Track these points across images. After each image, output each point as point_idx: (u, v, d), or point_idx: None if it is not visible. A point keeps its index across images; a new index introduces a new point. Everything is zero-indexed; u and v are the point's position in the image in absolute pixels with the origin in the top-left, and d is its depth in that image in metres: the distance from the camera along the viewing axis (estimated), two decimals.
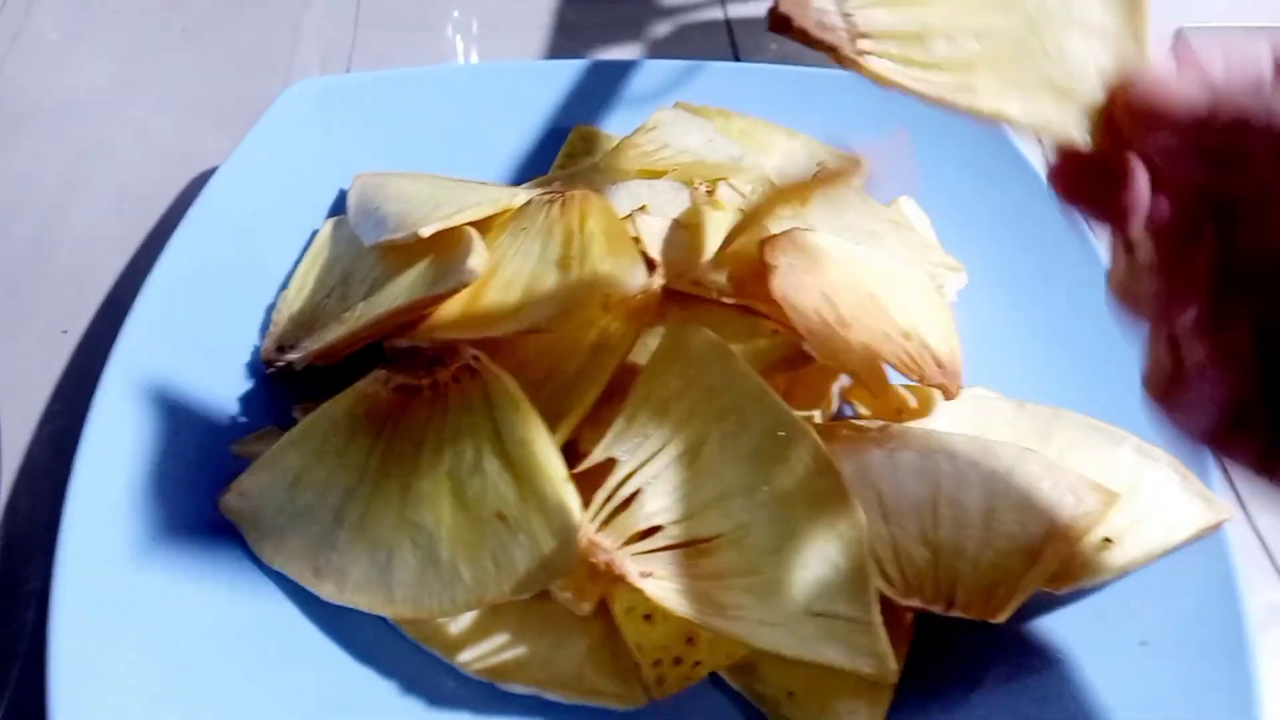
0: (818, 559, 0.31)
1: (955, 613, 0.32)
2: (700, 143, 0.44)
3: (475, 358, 0.33)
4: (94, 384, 0.37)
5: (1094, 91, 0.23)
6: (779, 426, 0.32)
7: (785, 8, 0.20)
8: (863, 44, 0.21)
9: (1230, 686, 0.32)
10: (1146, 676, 0.32)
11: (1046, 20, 0.23)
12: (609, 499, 0.31)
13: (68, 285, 0.47)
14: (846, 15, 0.21)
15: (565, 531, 0.30)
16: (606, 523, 0.31)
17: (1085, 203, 0.24)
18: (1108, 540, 0.34)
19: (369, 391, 0.34)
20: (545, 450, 0.31)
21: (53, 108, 0.56)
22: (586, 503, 0.31)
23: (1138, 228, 0.24)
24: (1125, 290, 0.25)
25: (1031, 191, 0.47)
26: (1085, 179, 0.24)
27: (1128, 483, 0.36)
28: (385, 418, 0.33)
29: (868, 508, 0.32)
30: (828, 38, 0.21)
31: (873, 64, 0.21)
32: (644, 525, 0.31)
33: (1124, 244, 0.25)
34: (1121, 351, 0.41)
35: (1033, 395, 0.39)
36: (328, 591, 0.33)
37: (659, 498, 0.31)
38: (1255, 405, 0.24)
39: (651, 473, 0.32)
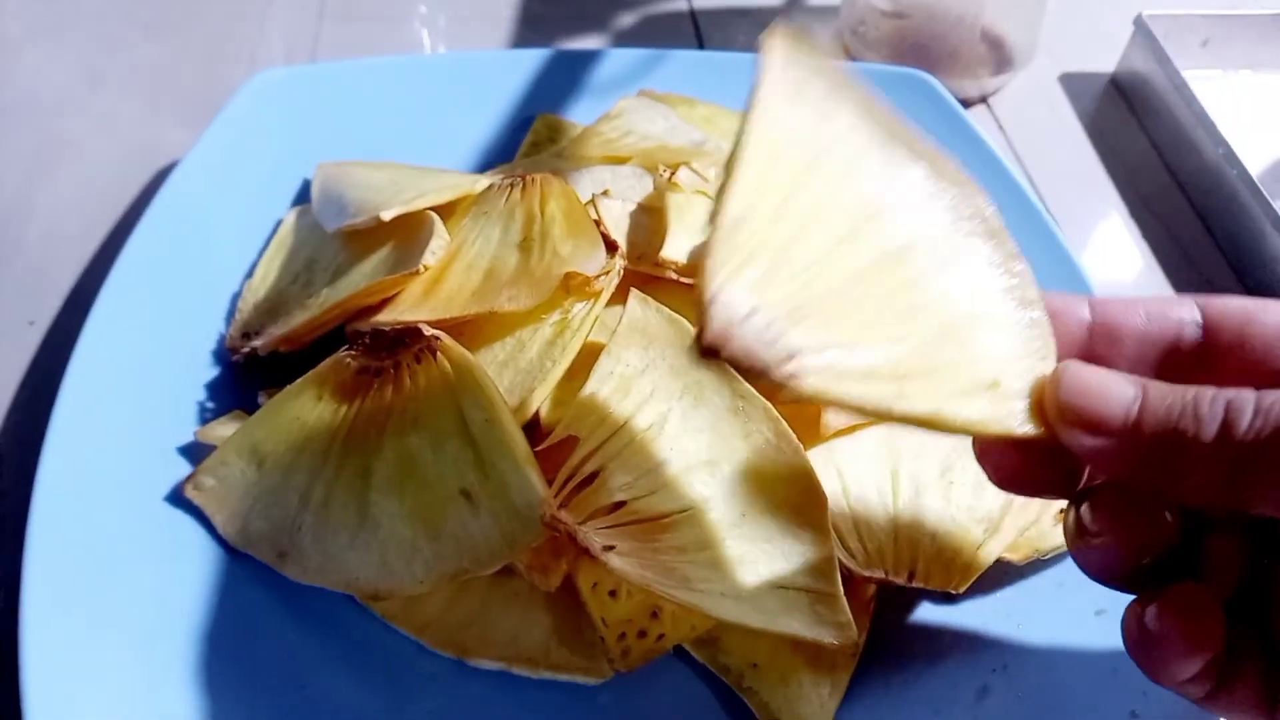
0: (779, 532, 0.32)
1: (917, 583, 0.33)
2: (663, 129, 0.45)
3: (436, 338, 0.33)
4: (60, 375, 0.37)
5: (1023, 381, 0.23)
6: (737, 400, 0.33)
7: (711, 339, 0.19)
8: (792, 366, 0.20)
9: None
10: (1103, 644, 0.33)
11: (961, 321, 0.23)
12: (571, 476, 0.31)
13: (32, 278, 0.47)
14: (772, 341, 0.20)
15: (528, 508, 0.31)
16: (570, 498, 0.31)
17: (1029, 489, 0.25)
18: (1063, 512, 0.35)
19: (332, 373, 0.34)
20: (508, 428, 0.31)
21: (13, 103, 0.56)
22: (550, 481, 0.32)
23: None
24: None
25: (992, 177, 0.48)
26: (1025, 470, 0.25)
27: None
28: (348, 399, 0.33)
29: (828, 480, 0.33)
30: (757, 365, 0.20)
31: (805, 385, 0.20)
32: (607, 501, 0.31)
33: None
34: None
35: None
36: (293, 572, 0.33)
37: (621, 474, 0.32)
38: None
39: (613, 449, 0.32)
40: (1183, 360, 0.25)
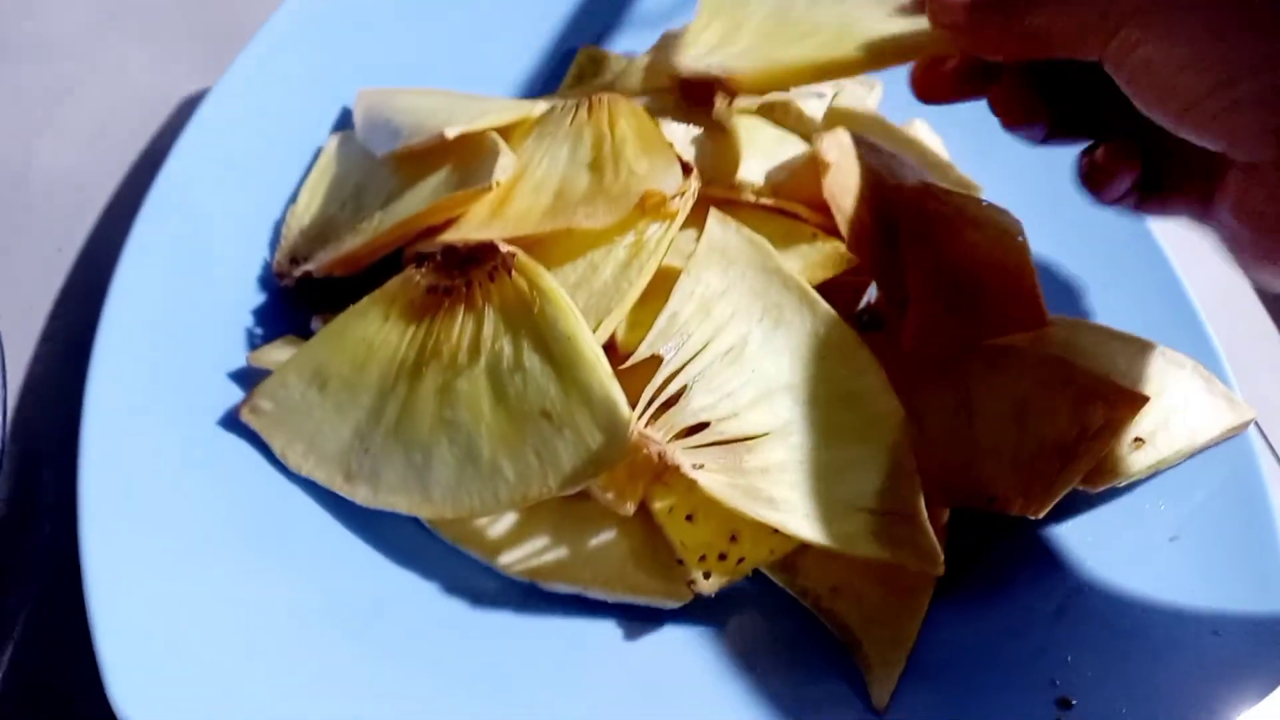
0: (862, 455, 0.31)
1: (996, 509, 0.32)
2: None
3: (512, 254, 0.32)
4: (93, 302, 0.35)
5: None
6: (821, 326, 0.32)
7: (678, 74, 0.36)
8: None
9: (1257, 575, 0.32)
10: (1177, 569, 0.33)
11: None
12: (657, 394, 0.31)
13: (58, 209, 0.45)
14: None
15: (614, 426, 0.30)
16: (655, 418, 0.30)
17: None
18: (1139, 440, 0.35)
19: (400, 292, 0.33)
20: (589, 346, 0.31)
21: (22, 46, 0.54)
22: (632, 402, 0.31)
23: None
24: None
25: None
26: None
27: (1154, 387, 0.36)
28: (418, 318, 0.32)
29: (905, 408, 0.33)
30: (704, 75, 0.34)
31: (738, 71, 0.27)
32: (691, 421, 0.31)
33: None
34: (1135, 263, 0.42)
35: (1052, 309, 0.39)
36: (362, 495, 0.32)
37: (705, 395, 0.31)
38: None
39: (696, 370, 0.31)
40: None
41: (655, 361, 0.32)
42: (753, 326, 0.32)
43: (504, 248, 0.32)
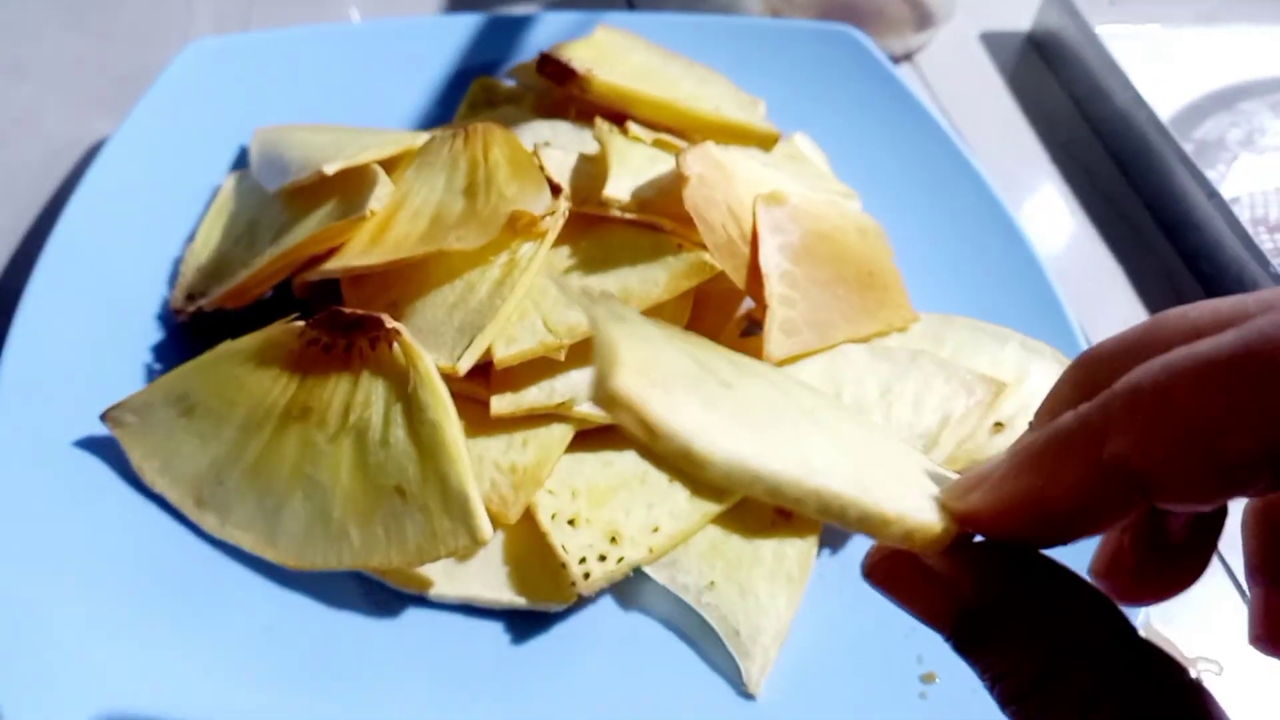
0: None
1: None
2: None
3: (397, 330, 0.33)
4: None
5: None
6: None
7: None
8: None
9: None
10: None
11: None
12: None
13: None
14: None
15: (465, 519, 0.31)
16: None
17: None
18: (999, 425, 0.36)
19: (279, 338, 0.34)
20: (454, 439, 0.32)
21: None
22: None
23: None
24: None
25: (919, 126, 0.50)
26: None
27: (1016, 374, 0.38)
28: (293, 367, 0.33)
29: None
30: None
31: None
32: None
33: None
34: (1005, 265, 0.44)
35: (923, 306, 0.41)
36: (209, 524, 0.33)
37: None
38: None
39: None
40: None
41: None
42: None
43: (389, 323, 0.33)
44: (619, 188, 0.36)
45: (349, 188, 0.38)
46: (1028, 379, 0.38)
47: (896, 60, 0.60)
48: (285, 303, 0.39)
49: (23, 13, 0.60)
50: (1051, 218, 0.53)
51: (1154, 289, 0.49)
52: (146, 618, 0.32)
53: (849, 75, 0.52)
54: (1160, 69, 0.59)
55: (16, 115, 0.54)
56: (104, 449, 0.35)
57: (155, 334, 0.40)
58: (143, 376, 0.38)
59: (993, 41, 0.63)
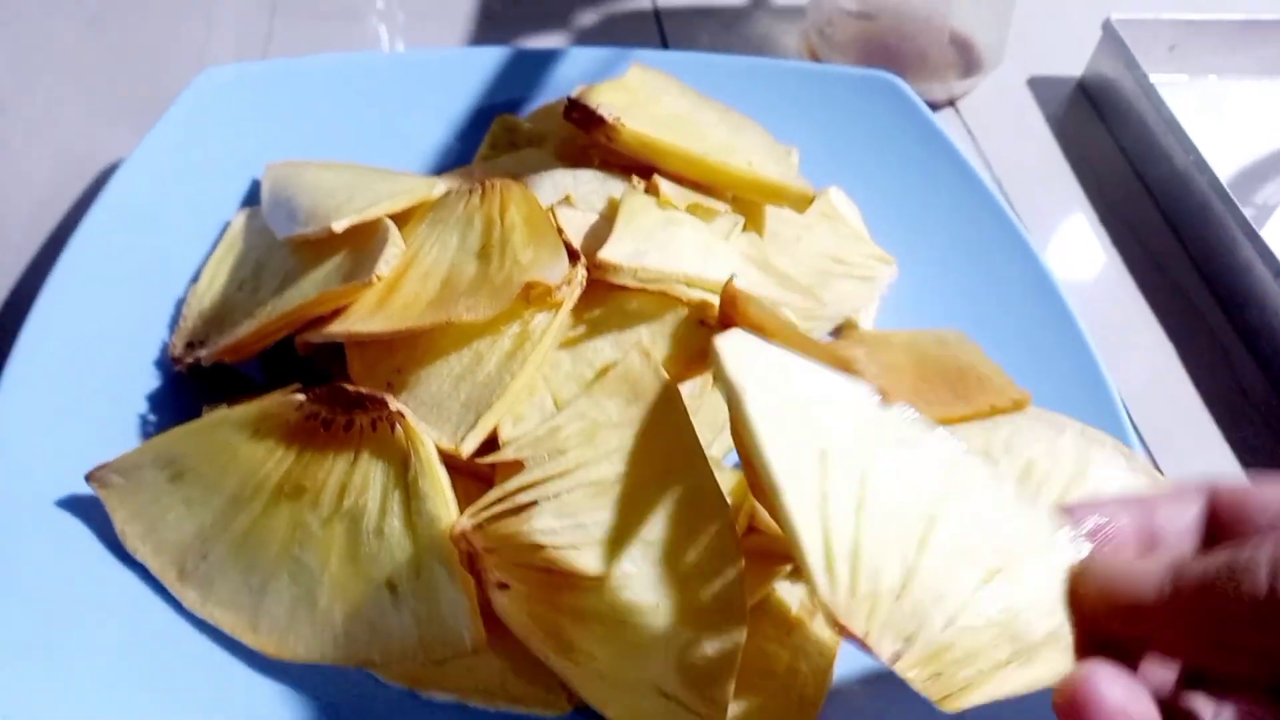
0: (688, 641, 0.28)
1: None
2: None
3: (400, 414, 0.31)
4: None
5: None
6: (706, 500, 0.30)
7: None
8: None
9: None
10: None
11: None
12: (502, 499, 0.29)
13: None
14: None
15: (455, 622, 0.29)
16: (492, 521, 0.29)
17: None
18: None
19: (277, 411, 0.32)
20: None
21: None
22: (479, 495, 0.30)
23: None
24: None
25: (960, 182, 0.47)
26: None
27: (1076, 466, 0.35)
28: (289, 441, 0.31)
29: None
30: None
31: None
32: (526, 538, 0.29)
33: None
34: (1050, 343, 0.41)
35: None
36: (190, 600, 0.31)
37: (554, 518, 0.29)
38: None
39: (554, 490, 0.30)
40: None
41: (521, 465, 0.31)
42: (632, 468, 0.30)
43: (393, 404, 0.31)
44: (618, 250, 0.34)
45: (360, 239, 0.37)
46: (1088, 472, 0.35)
47: (938, 107, 0.58)
48: (287, 354, 0.37)
49: (40, 24, 0.59)
50: (1097, 283, 0.50)
51: (1206, 368, 0.46)
52: (117, 702, 0.30)
53: (888, 125, 0.50)
54: (1216, 123, 0.56)
55: (29, 127, 0.53)
56: (88, 509, 0.34)
57: (152, 381, 0.38)
58: (136, 428, 0.37)
59: (1041, 87, 0.60)
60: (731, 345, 0.24)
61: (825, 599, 0.22)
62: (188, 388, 0.38)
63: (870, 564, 0.23)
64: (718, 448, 0.36)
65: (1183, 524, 0.25)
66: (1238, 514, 0.24)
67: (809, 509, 0.23)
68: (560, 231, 0.35)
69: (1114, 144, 0.57)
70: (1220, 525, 0.24)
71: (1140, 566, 0.22)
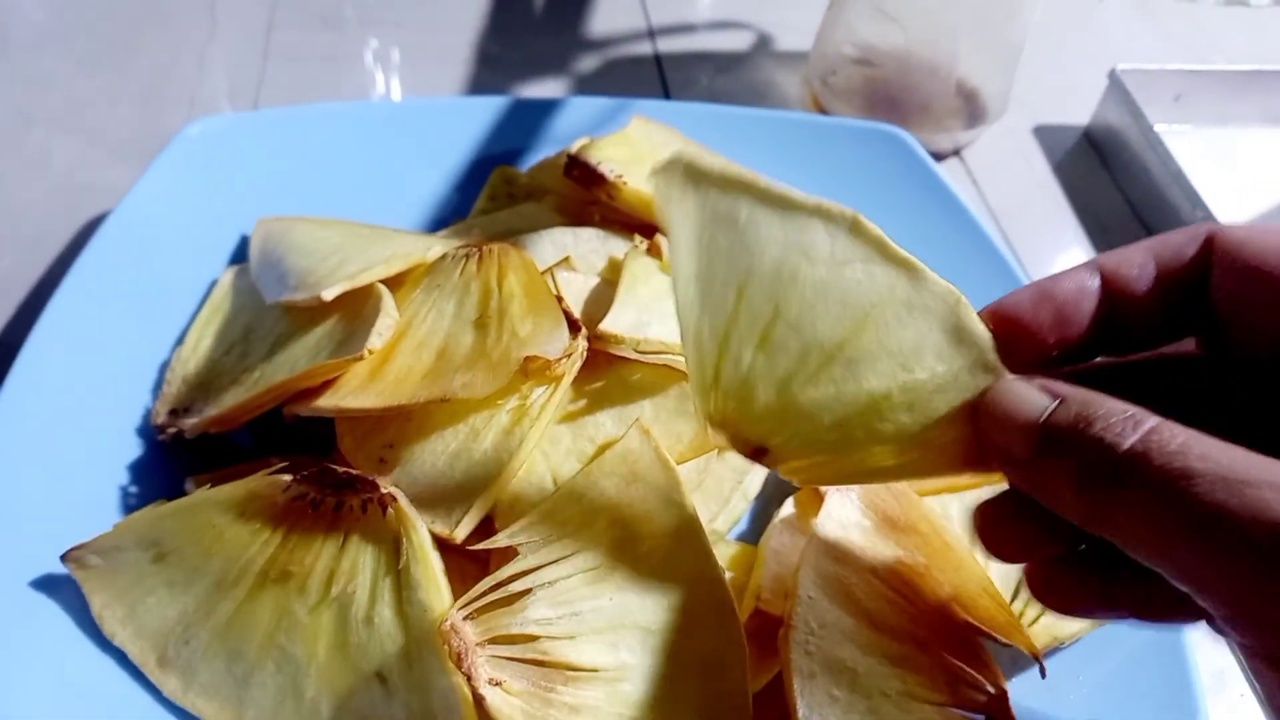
0: None
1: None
2: None
3: (392, 496, 0.29)
4: None
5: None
6: (704, 581, 0.29)
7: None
8: None
9: None
10: None
11: None
12: (495, 588, 0.28)
13: None
14: None
15: (446, 715, 0.27)
16: (482, 611, 0.28)
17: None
18: None
19: (265, 490, 0.30)
20: None
21: None
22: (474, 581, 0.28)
23: None
24: None
25: (965, 236, 0.46)
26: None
27: None
28: (277, 521, 0.30)
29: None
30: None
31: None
32: (519, 630, 0.28)
33: None
34: None
35: None
36: (171, 688, 0.30)
37: (548, 607, 0.28)
38: None
39: (549, 576, 0.29)
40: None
41: (514, 552, 0.29)
42: (629, 554, 0.29)
43: (384, 486, 0.29)
44: (620, 321, 0.33)
45: (352, 305, 0.35)
46: None
47: (943, 156, 0.57)
48: (277, 420, 0.36)
49: (37, 62, 0.58)
50: None
51: None
52: None
53: (892, 178, 0.49)
54: (1222, 173, 0.56)
55: (25, 160, 0.52)
56: (62, 589, 0.32)
57: (134, 450, 0.37)
58: (117, 499, 0.35)
59: (1047, 136, 0.59)
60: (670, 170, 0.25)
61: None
62: (171, 456, 0.37)
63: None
64: (721, 521, 0.35)
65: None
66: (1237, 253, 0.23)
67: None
68: (560, 300, 0.34)
69: (1119, 193, 0.56)
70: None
71: (1032, 394, 0.22)
